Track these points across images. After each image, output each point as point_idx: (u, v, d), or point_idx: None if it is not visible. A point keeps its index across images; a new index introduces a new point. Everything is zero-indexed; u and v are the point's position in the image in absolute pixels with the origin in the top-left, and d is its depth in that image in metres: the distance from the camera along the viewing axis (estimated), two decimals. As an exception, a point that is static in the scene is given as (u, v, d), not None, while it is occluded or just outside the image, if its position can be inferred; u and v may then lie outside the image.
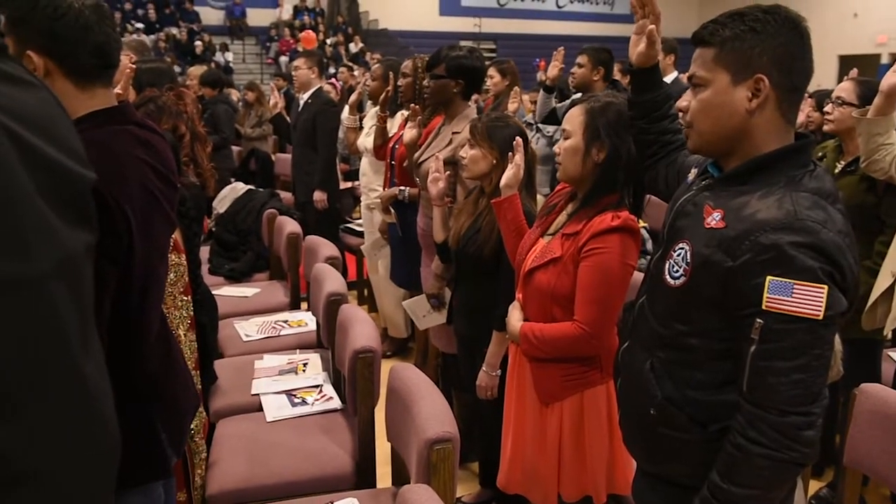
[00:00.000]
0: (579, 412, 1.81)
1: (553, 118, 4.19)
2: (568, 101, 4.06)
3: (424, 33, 17.10)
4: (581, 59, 3.85)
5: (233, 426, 2.27)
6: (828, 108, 2.64)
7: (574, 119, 1.78)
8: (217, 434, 2.23)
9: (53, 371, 0.90)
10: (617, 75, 4.40)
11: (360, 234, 4.22)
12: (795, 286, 1.12)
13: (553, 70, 4.13)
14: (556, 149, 1.83)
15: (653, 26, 1.53)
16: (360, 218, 4.62)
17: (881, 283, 2.33)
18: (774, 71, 1.21)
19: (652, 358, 1.33)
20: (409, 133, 2.96)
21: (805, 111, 3.36)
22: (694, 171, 1.39)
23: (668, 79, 4.45)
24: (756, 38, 1.20)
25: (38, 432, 0.86)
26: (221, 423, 2.30)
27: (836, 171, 2.57)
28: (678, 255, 1.27)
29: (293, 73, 4.69)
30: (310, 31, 12.45)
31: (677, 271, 1.26)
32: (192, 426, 1.93)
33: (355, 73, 8.57)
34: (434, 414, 1.66)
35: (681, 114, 1.33)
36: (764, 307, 1.14)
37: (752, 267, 1.15)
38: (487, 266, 2.20)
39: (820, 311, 1.12)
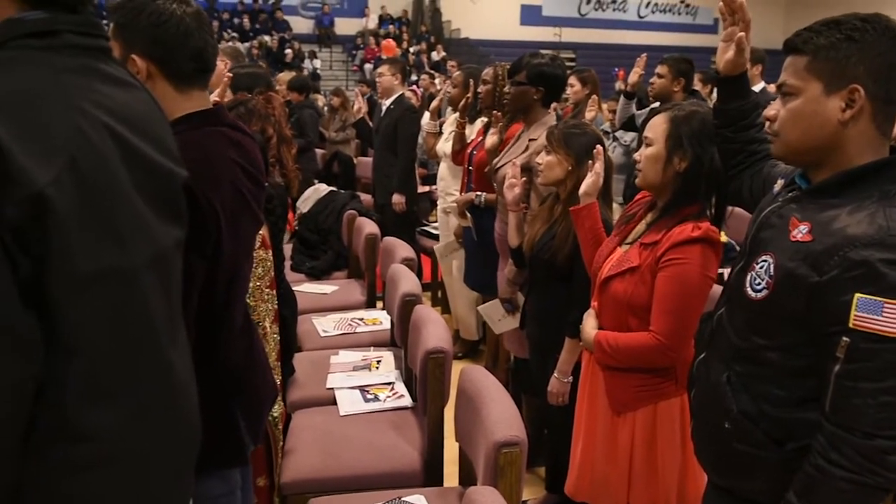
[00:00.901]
0: (652, 423, 1.78)
1: (632, 124, 4.14)
2: (647, 110, 4.01)
3: (505, 42, 17.12)
4: (661, 69, 3.79)
5: (308, 418, 2.34)
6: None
7: (657, 127, 1.77)
8: (293, 425, 2.30)
9: (142, 359, 0.94)
10: (697, 85, 4.31)
11: (437, 237, 4.27)
12: (886, 305, 1.08)
13: (633, 76, 4.09)
14: (636, 156, 1.82)
15: (742, 33, 1.50)
16: (436, 221, 4.68)
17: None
18: (870, 81, 1.16)
19: (729, 371, 1.30)
20: (491, 139, 2.99)
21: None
22: (780, 182, 1.35)
23: (755, 89, 4.31)
24: (853, 47, 1.16)
25: (125, 417, 0.91)
26: (297, 415, 2.37)
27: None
28: (761, 267, 1.24)
29: (377, 79, 4.80)
30: (390, 40, 12.81)
31: (759, 284, 1.23)
32: (274, 415, 2.01)
33: (436, 80, 8.69)
34: (503, 417, 1.67)
35: (767, 123, 1.30)
36: (851, 325, 1.11)
37: (840, 283, 1.12)
38: (561, 273, 2.20)
39: None
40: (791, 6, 18.57)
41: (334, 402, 2.42)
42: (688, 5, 20.14)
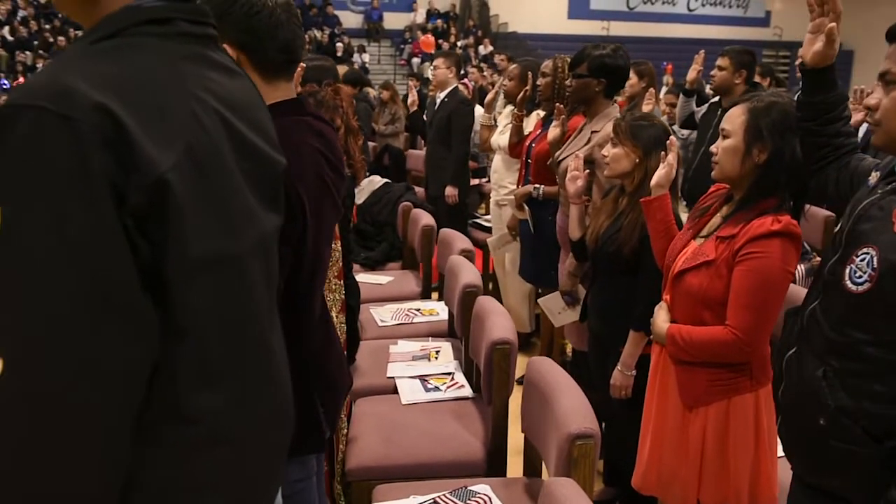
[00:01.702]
0: (724, 419, 1.75)
1: (692, 122, 4.08)
2: (705, 106, 3.94)
3: (553, 36, 16.94)
4: (722, 61, 3.71)
5: (370, 406, 2.37)
6: None
7: (735, 119, 1.73)
8: (356, 413, 2.33)
9: (247, 344, 0.95)
10: (758, 78, 4.22)
11: (488, 230, 4.27)
12: None
13: (692, 73, 4.05)
14: (713, 148, 1.78)
15: (833, 24, 1.46)
16: (485, 214, 4.68)
17: None
18: None
19: (825, 366, 1.28)
20: (554, 131, 2.97)
21: None
22: (875, 174, 1.32)
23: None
24: None
25: (230, 401, 0.92)
26: (359, 403, 2.40)
27: None
28: (862, 259, 1.21)
29: (432, 72, 4.81)
30: (429, 35, 12.92)
31: (861, 277, 1.20)
32: (341, 402, 2.03)
33: (485, 73, 8.70)
34: (576, 408, 1.66)
35: (867, 111, 1.26)
36: None
37: None
38: (626, 266, 2.17)
39: None
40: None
41: (395, 391, 2.45)
42: (739, -3, 19.70)
